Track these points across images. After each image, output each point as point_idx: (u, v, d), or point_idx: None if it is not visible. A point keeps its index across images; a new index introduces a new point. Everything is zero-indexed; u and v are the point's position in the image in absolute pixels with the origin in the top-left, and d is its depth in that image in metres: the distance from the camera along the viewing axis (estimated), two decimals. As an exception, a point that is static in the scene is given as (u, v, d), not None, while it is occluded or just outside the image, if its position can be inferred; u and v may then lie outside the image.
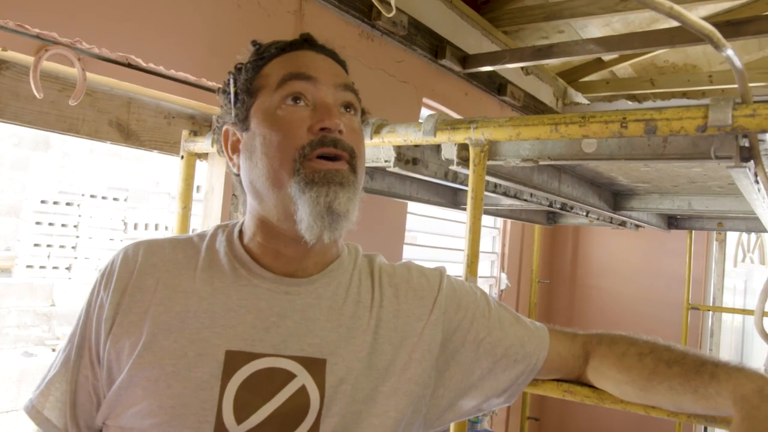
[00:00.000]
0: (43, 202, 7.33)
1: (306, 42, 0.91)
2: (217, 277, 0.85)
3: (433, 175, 1.58)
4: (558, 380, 1.00)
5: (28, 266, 7.17)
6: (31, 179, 7.73)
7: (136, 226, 8.06)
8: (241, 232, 0.90)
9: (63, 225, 7.47)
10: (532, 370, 0.96)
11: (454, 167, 1.31)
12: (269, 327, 0.81)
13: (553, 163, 1.32)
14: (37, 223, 7.29)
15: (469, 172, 1.22)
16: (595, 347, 0.97)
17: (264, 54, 0.90)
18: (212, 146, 1.69)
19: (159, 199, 8.29)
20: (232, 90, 0.89)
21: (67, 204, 7.49)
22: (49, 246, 7.35)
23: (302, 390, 0.78)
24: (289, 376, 0.79)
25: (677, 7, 0.66)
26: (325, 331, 0.82)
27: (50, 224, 7.38)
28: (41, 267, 7.27)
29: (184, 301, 0.82)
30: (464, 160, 1.28)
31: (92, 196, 7.69)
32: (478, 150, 1.20)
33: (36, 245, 7.26)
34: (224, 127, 0.92)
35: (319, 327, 0.83)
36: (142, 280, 0.84)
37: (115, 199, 7.86)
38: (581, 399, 0.99)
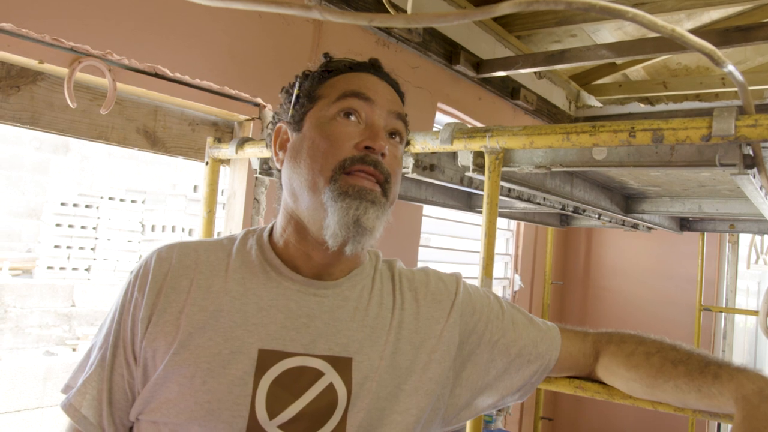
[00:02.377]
0: (63, 204, 7.45)
1: (373, 66, 0.96)
2: (248, 278, 0.88)
3: (449, 180, 1.62)
4: (570, 377, 1.04)
5: (48, 267, 7.28)
6: (51, 182, 7.87)
7: (153, 228, 8.15)
8: (270, 235, 0.94)
9: (82, 227, 7.60)
10: (544, 369, 1.00)
11: (470, 174, 1.34)
12: (299, 327, 0.85)
13: (565, 169, 1.36)
14: (57, 225, 7.41)
15: (485, 178, 1.25)
16: (605, 346, 1.01)
17: (332, 67, 0.95)
18: (236, 152, 1.75)
19: (176, 201, 8.37)
20: (295, 92, 0.94)
21: (87, 206, 7.61)
22: (68, 247, 7.46)
23: (330, 387, 0.82)
24: (318, 374, 0.83)
25: (678, 30, 0.71)
26: (351, 331, 0.87)
27: (70, 226, 7.50)
28: (61, 268, 7.38)
29: (217, 300, 0.86)
30: (480, 167, 1.32)
31: (110, 199, 7.80)
32: (493, 157, 1.24)
33: (56, 247, 7.37)
34: (278, 124, 0.97)
35: (346, 327, 0.87)
36: (176, 281, 0.87)
37: (132, 201, 7.98)
38: (592, 394, 1.02)
